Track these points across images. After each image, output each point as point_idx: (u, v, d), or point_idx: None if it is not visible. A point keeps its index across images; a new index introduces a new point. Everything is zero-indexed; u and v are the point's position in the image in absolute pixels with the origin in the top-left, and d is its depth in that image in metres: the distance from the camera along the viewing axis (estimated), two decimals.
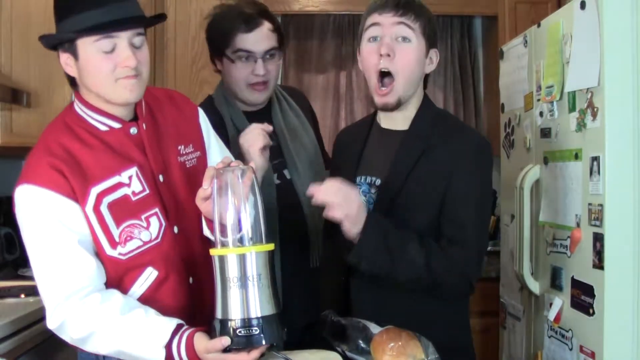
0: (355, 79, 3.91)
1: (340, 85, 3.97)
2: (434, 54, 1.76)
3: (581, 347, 1.96)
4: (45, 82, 2.78)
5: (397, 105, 1.71)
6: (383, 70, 1.68)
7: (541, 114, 2.27)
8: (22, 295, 2.32)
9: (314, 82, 3.95)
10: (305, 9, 3.58)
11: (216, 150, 1.74)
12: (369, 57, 1.70)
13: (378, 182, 1.73)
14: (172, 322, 1.46)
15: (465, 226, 1.65)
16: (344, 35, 3.92)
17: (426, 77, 1.80)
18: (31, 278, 2.69)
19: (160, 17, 1.62)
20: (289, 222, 2.03)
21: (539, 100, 2.28)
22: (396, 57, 1.67)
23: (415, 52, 1.69)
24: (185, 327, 1.46)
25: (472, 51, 3.93)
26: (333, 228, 1.66)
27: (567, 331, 2.04)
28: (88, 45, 1.48)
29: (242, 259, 1.36)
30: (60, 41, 1.51)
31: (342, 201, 1.55)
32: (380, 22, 1.68)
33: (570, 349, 2.02)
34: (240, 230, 1.40)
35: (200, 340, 1.40)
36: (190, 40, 3.37)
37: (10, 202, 3.16)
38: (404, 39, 1.68)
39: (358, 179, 1.77)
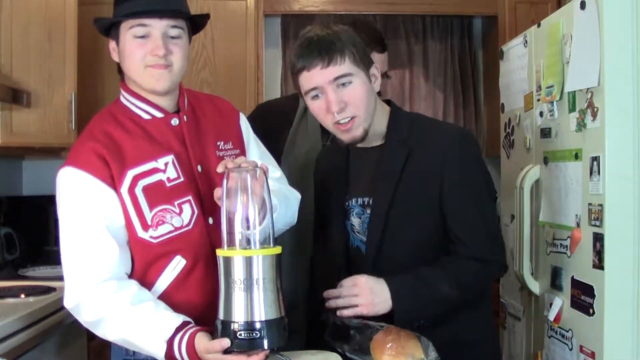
0: None
1: None
2: (374, 69, 1.69)
3: (581, 347, 1.96)
4: (45, 82, 2.78)
5: (365, 134, 1.67)
6: (342, 122, 1.64)
7: (541, 114, 2.27)
8: (22, 295, 2.32)
9: None
10: (305, 9, 3.59)
11: (255, 154, 1.76)
12: (321, 113, 1.66)
13: (371, 201, 1.71)
14: (179, 319, 1.47)
15: (473, 222, 1.66)
16: None
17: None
18: (31, 278, 2.72)
19: (203, 17, 1.69)
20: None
21: (539, 100, 2.29)
22: (347, 103, 1.62)
23: (360, 87, 1.63)
24: (191, 325, 1.46)
25: (472, 51, 3.94)
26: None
27: (567, 331, 2.04)
28: (126, 31, 1.58)
29: (248, 261, 1.35)
30: (106, 25, 1.62)
31: (367, 299, 1.60)
32: (315, 85, 1.62)
33: (570, 349, 2.02)
34: (248, 232, 1.39)
35: (201, 340, 1.41)
36: (191, 40, 3.37)
37: (10, 202, 3.18)
38: (344, 84, 1.62)
39: (349, 202, 1.76)
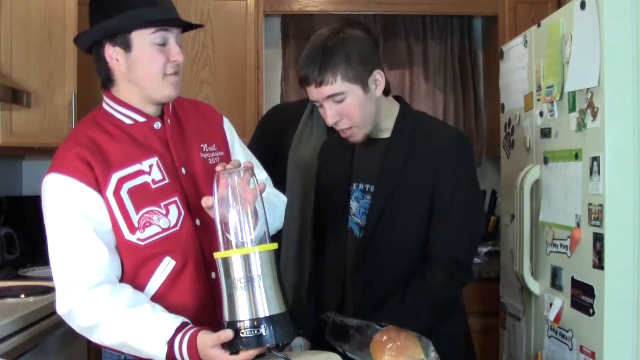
0: None
1: None
2: (378, 75, 1.73)
3: (581, 347, 1.96)
4: (45, 82, 2.78)
5: (366, 137, 1.77)
6: (342, 130, 1.76)
7: (541, 114, 2.27)
8: (22, 295, 2.32)
9: None
10: (305, 9, 3.58)
11: (241, 157, 1.77)
12: (325, 117, 1.76)
13: (372, 188, 1.78)
14: (178, 319, 1.47)
15: (453, 221, 1.72)
16: None
17: (387, 87, 1.78)
18: (31, 278, 2.72)
19: (198, 26, 1.74)
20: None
21: (539, 100, 2.29)
22: (342, 116, 1.72)
23: (354, 102, 1.71)
24: (190, 325, 1.47)
25: (472, 51, 3.93)
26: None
27: (567, 331, 2.04)
28: (144, 38, 1.57)
29: (246, 259, 1.37)
30: (115, 33, 1.58)
31: None
32: (314, 98, 1.73)
33: (570, 349, 2.02)
34: (242, 231, 1.40)
35: (206, 336, 1.41)
36: (190, 41, 3.37)
37: (10, 202, 3.18)
38: (339, 101, 1.70)
39: (351, 186, 1.83)
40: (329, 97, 1.70)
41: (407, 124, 1.78)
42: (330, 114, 1.72)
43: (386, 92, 1.78)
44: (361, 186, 1.81)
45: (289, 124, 2.28)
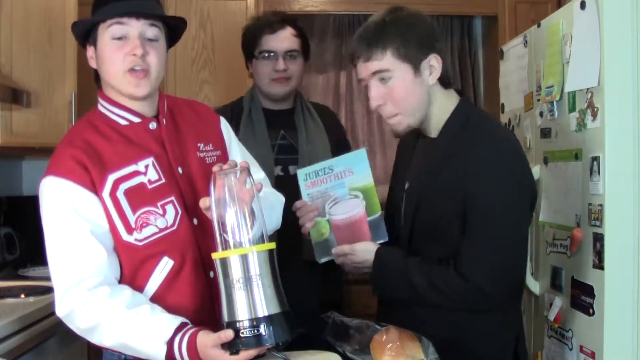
0: (355, 79, 3.91)
1: (340, 85, 3.98)
2: (434, 60, 1.64)
3: (581, 347, 1.96)
4: (45, 82, 2.78)
5: (409, 128, 1.70)
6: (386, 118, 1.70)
7: (541, 114, 2.27)
8: (22, 295, 2.32)
9: (314, 82, 3.96)
10: (305, 9, 3.59)
11: (238, 157, 1.76)
12: (369, 99, 1.69)
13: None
14: (177, 320, 1.48)
15: (476, 238, 1.58)
16: (344, 35, 3.92)
17: (445, 78, 1.68)
18: (31, 278, 2.72)
19: (178, 19, 1.68)
20: (284, 214, 2.08)
21: (539, 100, 2.28)
22: (387, 100, 1.65)
23: (402, 83, 1.63)
24: (190, 325, 1.47)
25: (472, 51, 3.94)
26: None
27: (567, 331, 2.04)
28: (103, 32, 1.58)
29: (244, 259, 1.37)
30: (83, 28, 1.61)
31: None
32: (360, 75, 1.67)
33: (570, 349, 2.02)
34: (240, 231, 1.41)
35: (206, 336, 1.41)
36: (190, 41, 3.37)
37: (10, 202, 3.18)
38: (382, 79, 1.64)
39: (407, 184, 1.79)
40: (375, 73, 1.63)
41: (455, 125, 1.66)
42: (375, 95, 1.64)
43: (445, 84, 1.68)
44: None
45: None
